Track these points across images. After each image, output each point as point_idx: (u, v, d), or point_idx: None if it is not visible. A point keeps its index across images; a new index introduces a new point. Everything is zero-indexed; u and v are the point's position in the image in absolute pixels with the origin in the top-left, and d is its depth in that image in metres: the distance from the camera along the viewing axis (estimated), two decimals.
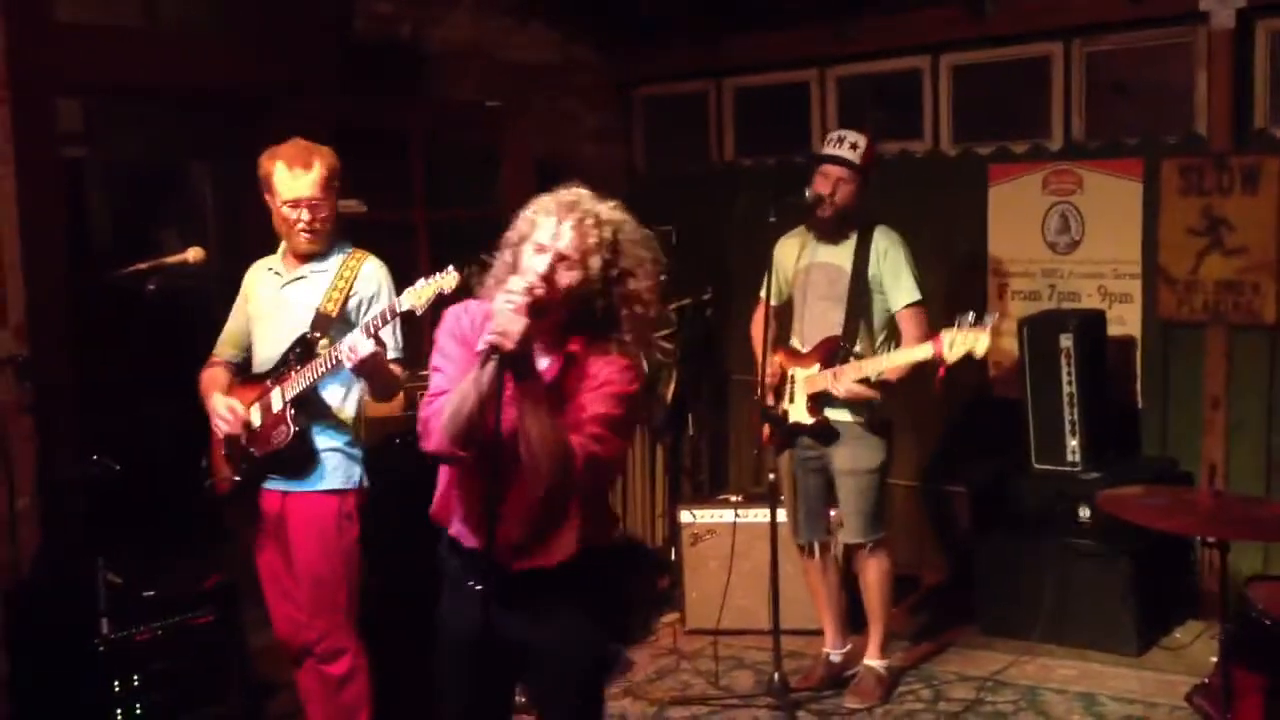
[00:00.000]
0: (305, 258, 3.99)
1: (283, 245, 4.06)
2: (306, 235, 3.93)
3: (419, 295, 3.55)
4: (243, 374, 4.12)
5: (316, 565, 3.93)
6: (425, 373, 5.02)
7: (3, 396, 4.59)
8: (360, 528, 4.00)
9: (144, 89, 5.24)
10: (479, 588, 2.92)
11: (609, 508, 3.25)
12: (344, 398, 3.97)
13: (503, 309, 2.75)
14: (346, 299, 3.92)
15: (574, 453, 2.80)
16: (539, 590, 2.99)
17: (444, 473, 3.09)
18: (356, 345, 3.66)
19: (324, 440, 3.94)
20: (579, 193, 2.97)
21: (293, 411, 3.88)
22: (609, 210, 2.96)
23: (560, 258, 2.87)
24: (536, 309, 2.77)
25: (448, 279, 3.51)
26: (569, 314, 2.92)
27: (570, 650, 3.06)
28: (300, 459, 3.91)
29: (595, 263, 2.88)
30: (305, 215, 3.89)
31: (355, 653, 4.01)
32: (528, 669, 3.11)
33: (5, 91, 4.63)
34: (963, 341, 4.37)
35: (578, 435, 2.83)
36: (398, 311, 3.61)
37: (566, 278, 2.87)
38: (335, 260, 3.99)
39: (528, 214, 2.97)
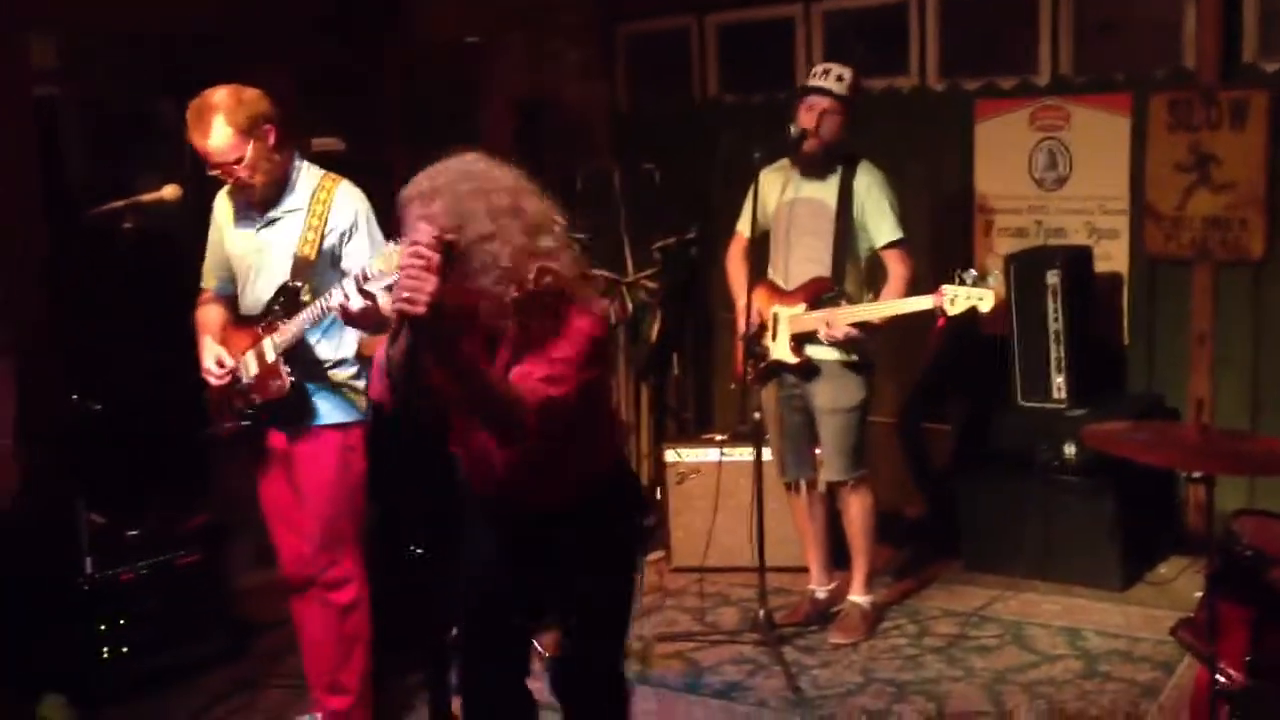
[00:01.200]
0: (264, 203, 3.90)
1: None
2: (242, 188, 3.83)
3: (389, 260, 3.41)
4: (235, 310, 4.06)
5: (324, 498, 3.92)
6: None
7: None
8: (366, 458, 3.98)
9: (117, 26, 5.15)
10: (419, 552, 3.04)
11: (608, 425, 3.17)
12: (339, 338, 3.92)
13: (408, 267, 2.57)
14: (323, 238, 3.84)
15: (522, 400, 2.71)
16: (555, 524, 2.99)
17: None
18: (349, 301, 3.57)
19: (323, 382, 3.91)
20: (430, 173, 2.80)
21: (286, 366, 3.84)
22: (464, 172, 2.79)
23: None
24: (446, 262, 2.60)
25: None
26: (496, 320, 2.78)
27: (599, 584, 3.07)
28: (298, 408, 3.88)
29: (468, 230, 2.69)
30: (230, 176, 3.79)
31: (360, 582, 4.03)
32: (555, 606, 3.12)
33: None
34: (966, 298, 4.36)
35: (528, 379, 2.74)
36: (369, 275, 3.50)
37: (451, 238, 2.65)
38: (304, 195, 3.88)
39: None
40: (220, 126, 3.72)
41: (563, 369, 2.77)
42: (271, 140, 3.81)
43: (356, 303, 3.57)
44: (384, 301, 3.67)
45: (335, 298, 3.64)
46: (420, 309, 2.54)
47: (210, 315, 4.09)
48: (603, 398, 3.13)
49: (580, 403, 2.82)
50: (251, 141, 3.75)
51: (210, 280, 4.12)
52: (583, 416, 2.88)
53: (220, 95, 3.75)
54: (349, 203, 3.88)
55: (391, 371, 2.70)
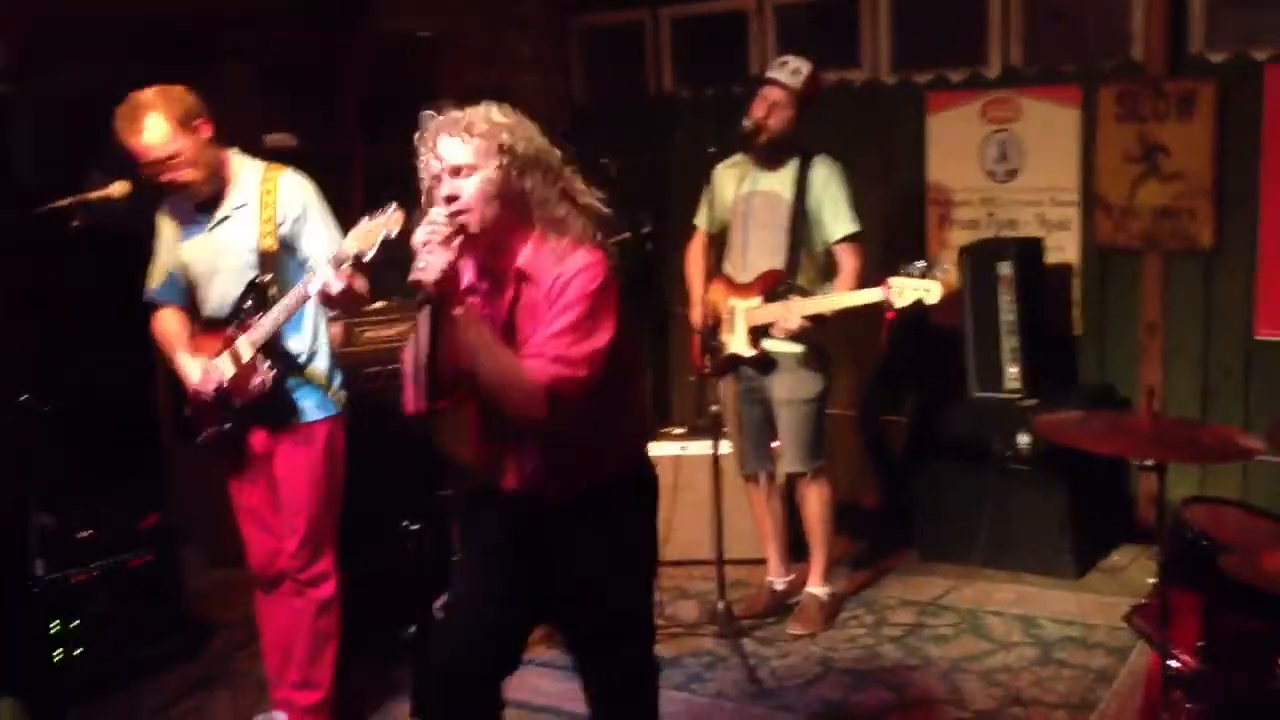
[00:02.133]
0: (210, 201, 3.86)
1: None
2: (180, 186, 3.79)
3: (365, 238, 3.41)
4: (197, 318, 4.01)
5: (309, 495, 3.90)
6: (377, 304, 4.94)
7: None
8: (346, 453, 3.98)
9: (70, 20, 5.09)
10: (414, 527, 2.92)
11: (629, 417, 3.07)
12: (313, 332, 3.91)
13: (425, 242, 2.67)
14: (277, 228, 3.82)
15: (533, 383, 2.70)
16: (566, 521, 2.94)
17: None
18: (329, 283, 3.56)
19: (301, 378, 3.89)
20: (451, 112, 2.85)
21: (265, 361, 3.80)
22: (481, 109, 2.84)
23: (454, 171, 2.77)
24: (466, 236, 2.71)
25: (392, 220, 3.35)
26: (508, 225, 2.81)
27: (612, 581, 3.00)
28: (281, 404, 3.86)
29: (491, 158, 2.76)
30: (168, 174, 3.75)
31: (336, 579, 4.02)
32: (563, 606, 3.05)
33: None
34: (913, 289, 4.38)
35: (539, 359, 2.72)
36: (347, 255, 3.49)
37: (471, 185, 2.75)
38: (250, 189, 3.85)
39: (416, 152, 2.86)
40: (156, 121, 3.68)
41: (573, 346, 2.73)
42: (206, 135, 3.78)
43: (336, 285, 3.57)
44: (360, 282, 3.70)
45: (314, 284, 3.62)
46: (434, 276, 2.62)
47: (171, 326, 4.03)
48: (625, 370, 2.97)
49: (599, 379, 2.77)
50: (187, 135, 3.72)
51: (163, 293, 4.04)
52: (604, 392, 2.81)
53: (149, 93, 3.72)
54: (295, 190, 3.86)
55: (416, 368, 2.73)
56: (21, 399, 4.19)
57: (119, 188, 3.94)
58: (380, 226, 3.40)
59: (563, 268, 2.77)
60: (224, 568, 4.91)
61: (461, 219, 2.73)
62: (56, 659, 4.40)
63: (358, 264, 3.50)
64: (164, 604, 4.74)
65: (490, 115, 2.82)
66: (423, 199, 2.89)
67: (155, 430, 5.44)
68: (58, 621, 4.41)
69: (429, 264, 2.64)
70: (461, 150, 2.77)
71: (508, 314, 2.84)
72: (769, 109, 4.68)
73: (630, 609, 3.09)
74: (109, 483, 4.97)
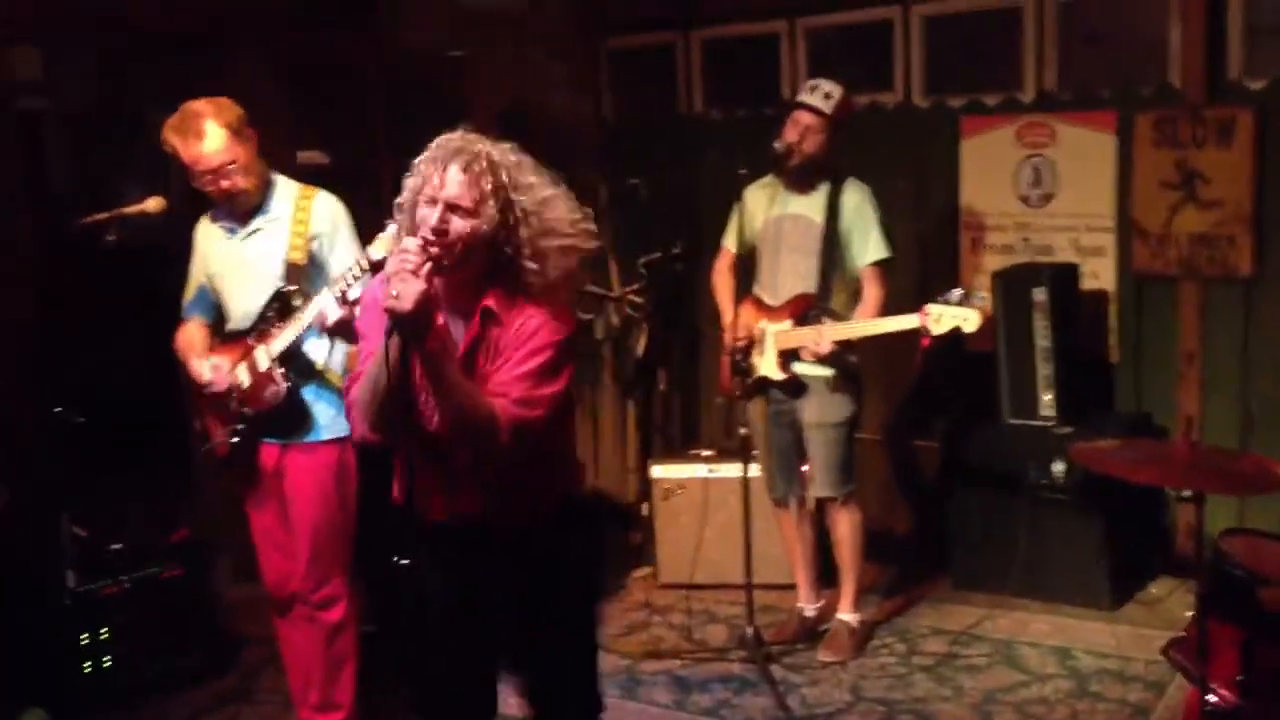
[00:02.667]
0: (247, 212, 3.89)
1: None
2: (227, 195, 3.82)
3: (392, 243, 3.47)
4: (219, 331, 4.04)
5: (316, 515, 3.89)
6: None
7: None
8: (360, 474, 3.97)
9: (97, 31, 5.13)
10: (404, 562, 2.88)
11: (570, 459, 3.13)
12: (330, 349, 3.91)
13: (398, 270, 2.60)
14: (309, 243, 3.85)
15: (497, 420, 2.69)
16: (511, 554, 2.91)
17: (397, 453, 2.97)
18: (326, 311, 3.63)
19: (316, 392, 3.89)
20: (466, 136, 2.80)
21: (281, 369, 3.81)
22: (501, 151, 2.79)
23: (451, 207, 2.71)
24: (436, 268, 2.65)
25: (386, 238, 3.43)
26: (479, 267, 2.77)
27: (555, 611, 2.97)
28: (294, 415, 3.86)
29: (490, 208, 2.72)
30: (224, 181, 3.78)
31: (348, 601, 4.00)
32: (513, 640, 3.01)
33: None
34: (951, 318, 4.35)
35: (502, 400, 2.72)
36: (372, 261, 3.53)
37: (461, 227, 2.71)
38: (285, 205, 3.89)
39: (416, 167, 2.81)
40: (213, 129, 3.72)
41: (536, 388, 2.75)
42: (255, 143, 3.83)
43: (334, 314, 3.61)
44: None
45: (311, 311, 3.65)
46: (409, 305, 2.56)
47: (193, 336, 4.06)
48: (570, 411, 3.04)
49: (553, 417, 2.81)
50: (241, 143, 3.77)
51: (192, 307, 4.08)
52: (554, 428, 2.86)
53: (200, 103, 3.76)
54: (329, 210, 3.91)
55: (375, 396, 2.72)
56: (55, 411, 4.22)
57: (154, 203, 3.97)
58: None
59: (533, 313, 2.79)
60: (253, 582, 4.89)
61: (436, 253, 2.67)
62: (85, 670, 4.41)
63: (380, 269, 3.53)
64: (193, 617, 4.76)
65: (505, 160, 2.78)
66: (400, 215, 2.83)
67: (185, 444, 5.45)
68: (87, 633, 4.42)
69: (402, 292, 2.57)
70: (467, 190, 2.71)
71: (467, 349, 2.81)
72: (801, 133, 4.66)
73: (570, 646, 3.06)
74: (139, 496, 4.99)
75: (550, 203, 2.82)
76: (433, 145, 2.80)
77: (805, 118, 4.67)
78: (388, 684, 4.19)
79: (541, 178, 2.84)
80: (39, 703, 4.29)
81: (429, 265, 2.63)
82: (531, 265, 2.78)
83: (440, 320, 2.77)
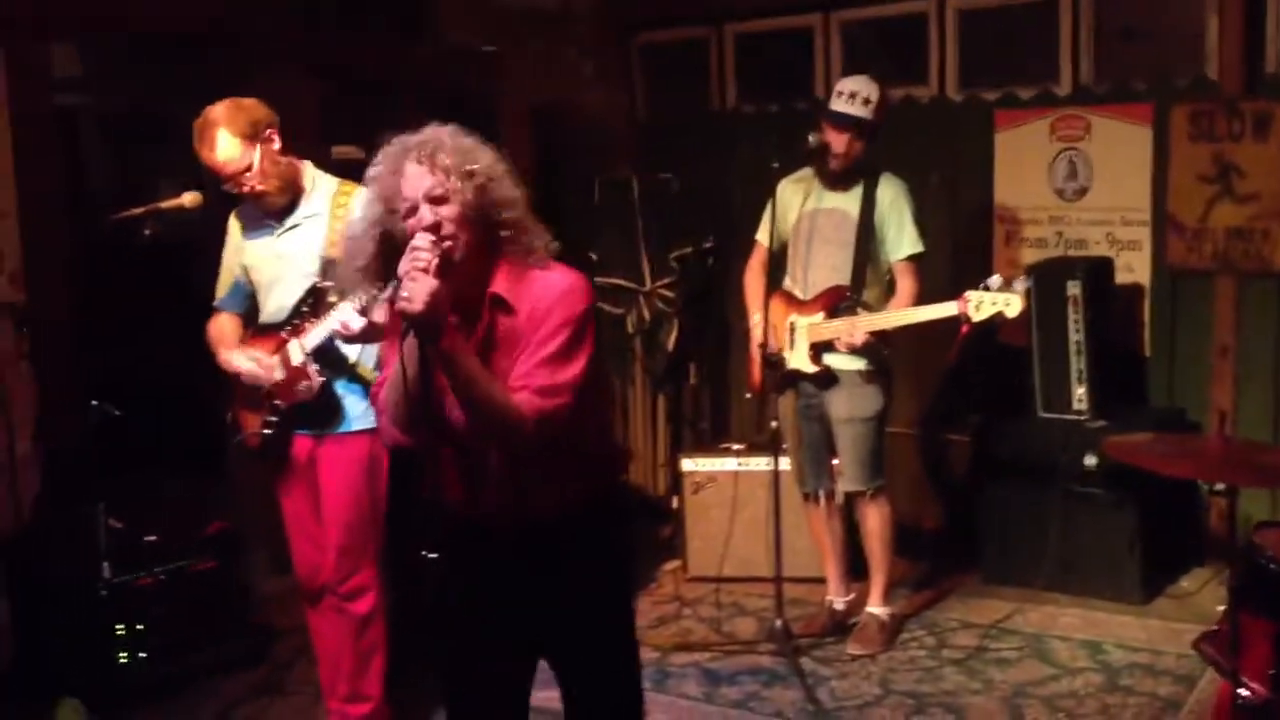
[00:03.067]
0: (283, 209, 3.91)
1: None
2: (258, 197, 3.84)
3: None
4: (252, 324, 4.06)
5: (348, 506, 3.91)
6: None
7: (1, 344, 4.57)
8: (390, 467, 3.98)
9: (135, 30, 5.18)
10: (432, 556, 2.88)
11: (608, 445, 3.11)
12: (360, 348, 3.93)
13: (409, 270, 2.58)
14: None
15: (521, 413, 2.67)
16: (544, 548, 2.88)
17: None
18: (348, 321, 3.65)
19: (348, 385, 3.91)
20: (390, 141, 2.77)
21: (315, 365, 3.84)
22: (428, 134, 2.76)
23: (436, 199, 2.68)
24: (446, 265, 2.63)
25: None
26: (478, 252, 2.74)
27: (591, 606, 2.94)
28: (327, 408, 3.88)
29: (457, 183, 2.68)
30: (244, 186, 3.80)
31: (377, 592, 4.01)
32: (547, 635, 2.97)
33: None
34: (992, 303, 4.34)
35: (525, 391, 2.69)
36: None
37: (449, 214, 2.68)
38: (323, 200, 3.91)
39: (368, 197, 2.77)
40: (224, 138, 3.74)
41: (557, 374, 2.71)
42: (276, 144, 3.83)
43: (356, 323, 3.64)
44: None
45: (332, 321, 3.69)
46: (420, 306, 2.54)
47: (225, 329, 4.07)
48: (599, 394, 3.01)
49: (580, 400, 2.76)
50: (257, 147, 3.77)
51: (225, 299, 4.10)
52: (583, 414, 2.80)
53: (219, 109, 3.78)
54: None
55: (399, 399, 2.73)
56: (92, 404, 4.27)
57: (190, 198, 4.01)
58: None
59: (544, 293, 2.75)
60: (286, 574, 4.93)
61: (447, 245, 2.66)
62: (120, 661, 4.46)
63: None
64: (227, 609, 4.80)
65: (457, 141, 2.75)
66: (369, 226, 2.77)
67: (219, 436, 5.50)
68: (122, 624, 4.46)
69: (414, 292, 2.55)
70: (432, 177, 2.69)
71: (481, 343, 2.79)
72: (846, 145, 4.64)
73: (608, 635, 3.02)
74: (174, 488, 5.04)
75: (496, 169, 2.77)
76: (372, 168, 2.77)
77: (850, 129, 4.64)
78: (416, 676, 4.22)
79: (472, 141, 2.78)
80: (75, 693, 4.35)
81: (438, 263, 2.61)
82: (515, 225, 2.76)
83: (453, 319, 2.72)
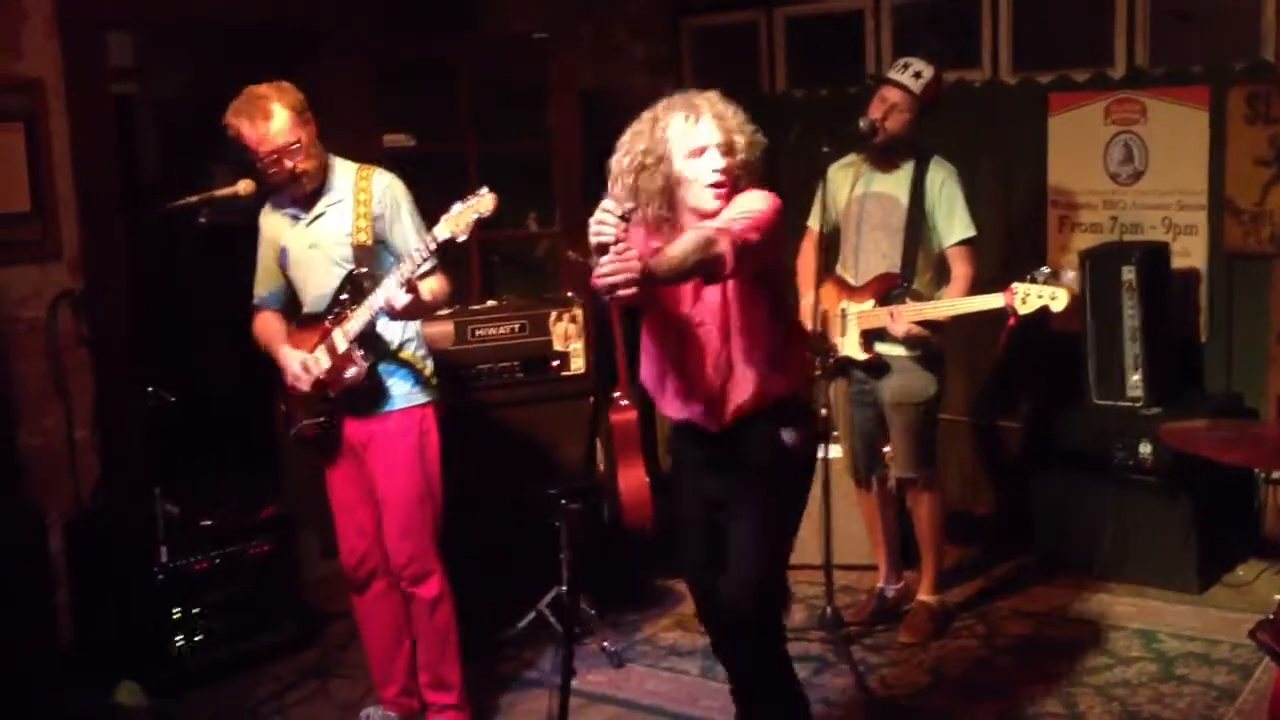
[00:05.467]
0: (310, 196, 3.93)
1: None
2: (291, 179, 3.85)
3: (458, 221, 3.54)
4: (295, 316, 4.08)
5: (402, 485, 3.94)
6: (476, 306, 5.05)
7: (59, 330, 4.64)
8: (442, 441, 4.01)
9: (190, 23, 5.23)
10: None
11: (794, 350, 3.44)
12: (403, 327, 3.96)
13: (599, 244, 2.95)
14: (373, 223, 3.88)
15: (718, 240, 2.97)
16: (737, 438, 3.31)
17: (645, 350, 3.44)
18: (393, 298, 3.67)
19: (394, 364, 3.94)
20: (687, 94, 3.29)
21: (360, 351, 3.86)
22: (714, 97, 3.29)
23: (727, 149, 3.20)
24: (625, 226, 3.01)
25: (484, 202, 3.53)
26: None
27: (771, 455, 3.31)
28: (375, 391, 3.91)
29: (739, 142, 3.23)
30: (288, 162, 3.81)
31: (442, 573, 4.04)
32: (729, 496, 3.37)
33: (54, 27, 4.64)
34: (1038, 296, 4.31)
35: (729, 221, 3.09)
36: (438, 241, 3.59)
37: (728, 163, 3.20)
38: (346, 186, 3.92)
39: (658, 132, 3.22)
40: (279, 110, 3.76)
41: (756, 219, 3.11)
42: (315, 128, 3.87)
43: (400, 300, 3.66)
44: (429, 286, 3.80)
45: (379, 298, 3.70)
46: (632, 290, 2.82)
47: (271, 325, 4.09)
48: (784, 305, 3.47)
49: (767, 276, 3.25)
50: (304, 126, 3.81)
51: (264, 296, 4.12)
52: (772, 318, 3.29)
53: (264, 87, 3.81)
54: (387, 187, 3.94)
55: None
56: (149, 391, 4.32)
57: (245, 185, 4.03)
58: (471, 210, 3.52)
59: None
60: (338, 558, 4.98)
61: (724, 187, 3.20)
62: (177, 644, 4.52)
63: (448, 249, 3.61)
64: (280, 593, 4.85)
65: (711, 98, 3.29)
66: (634, 176, 3.25)
67: (273, 422, 5.56)
68: (178, 608, 4.52)
69: (623, 278, 2.81)
70: (721, 130, 3.22)
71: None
72: (887, 111, 4.62)
73: (777, 510, 3.40)
74: (229, 473, 5.10)
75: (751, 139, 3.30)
76: (666, 106, 3.29)
77: (892, 94, 4.63)
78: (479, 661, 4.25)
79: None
80: (132, 676, 4.41)
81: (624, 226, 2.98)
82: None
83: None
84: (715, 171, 3.20)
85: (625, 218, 2.99)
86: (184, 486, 4.66)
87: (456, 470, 4.11)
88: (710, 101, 3.26)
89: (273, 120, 3.76)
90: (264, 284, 4.12)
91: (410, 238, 3.86)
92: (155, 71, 6.66)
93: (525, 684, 4.56)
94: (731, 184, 3.24)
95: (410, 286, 3.66)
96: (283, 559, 4.87)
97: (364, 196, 3.88)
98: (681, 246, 2.98)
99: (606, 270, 2.80)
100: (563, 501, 4.60)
